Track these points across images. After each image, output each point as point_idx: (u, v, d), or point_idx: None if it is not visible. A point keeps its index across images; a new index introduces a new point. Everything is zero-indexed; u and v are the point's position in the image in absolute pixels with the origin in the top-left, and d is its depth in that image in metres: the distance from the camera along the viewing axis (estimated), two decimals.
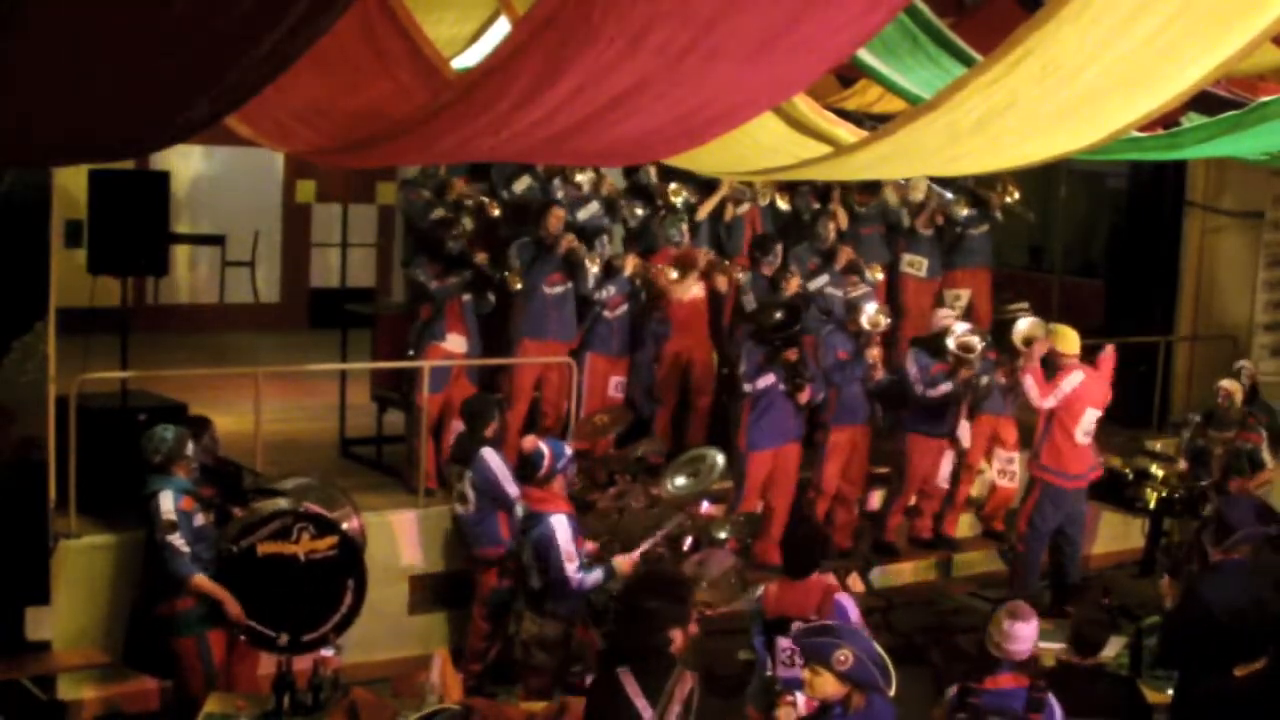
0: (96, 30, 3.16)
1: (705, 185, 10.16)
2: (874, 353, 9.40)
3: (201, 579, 6.65)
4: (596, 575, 6.84)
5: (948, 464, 9.94)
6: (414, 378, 8.90)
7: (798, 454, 9.35)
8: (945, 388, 9.47)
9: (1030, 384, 9.10)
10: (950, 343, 9.43)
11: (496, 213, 9.37)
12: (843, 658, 4.77)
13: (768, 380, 9.01)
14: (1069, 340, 9.18)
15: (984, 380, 9.58)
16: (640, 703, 4.64)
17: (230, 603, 6.64)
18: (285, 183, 14.88)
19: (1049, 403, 9.05)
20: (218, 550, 6.71)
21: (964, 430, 9.90)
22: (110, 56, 3.32)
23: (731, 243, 10.57)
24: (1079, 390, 9.07)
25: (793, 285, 9.75)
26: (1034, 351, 9.16)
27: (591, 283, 9.28)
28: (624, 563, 6.91)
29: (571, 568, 6.74)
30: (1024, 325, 9.42)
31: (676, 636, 4.80)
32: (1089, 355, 9.51)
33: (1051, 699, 5.23)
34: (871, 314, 9.41)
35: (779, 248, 10.06)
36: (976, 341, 9.42)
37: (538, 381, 9.36)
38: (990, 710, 5.20)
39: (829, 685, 4.80)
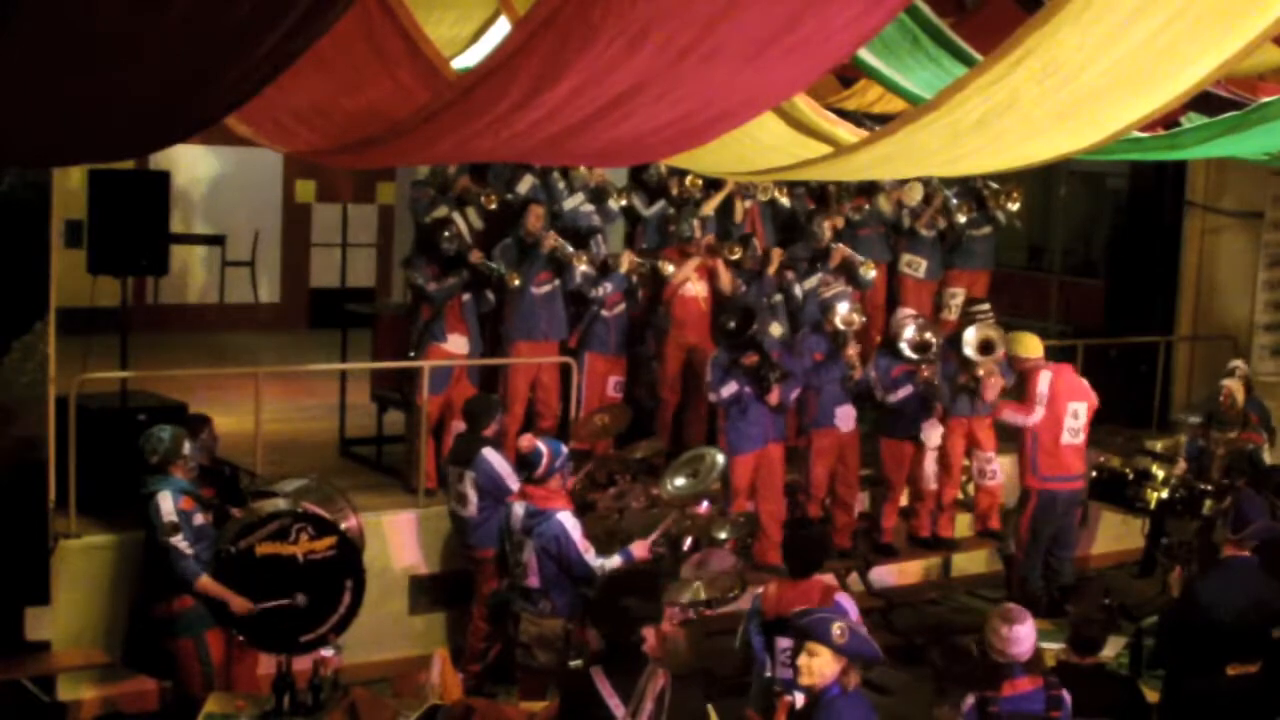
0: (97, 30, 3.16)
1: (711, 182, 10.16)
2: (850, 352, 9.36)
3: (207, 581, 6.64)
4: (616, 560, 6.88)
5: (930, 464, 9.89)
6: (414, 378, 8.90)
7: (781, 455, 9.26)
8: (905, 391, 9.44)
9: (1010, 415, 9.08)
10: (904, 346, 9.38)
11: (494, 206, 9.37)
12: (839, 630, 4.76)
13: (731, 388, 8.92)
14: (1027, 344, 9.15)
15: (947, 385, 9.54)
16: (613, 701, 4.63)
17: (237, 601, 6.63)
18: (285, 183, 14.91)
19: (1039, 414, 8.96)
20: (216, 551, 6.71)
21: (935, 431, 9.68)
22: (111, 56, 3.32)
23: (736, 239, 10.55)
24: (1054, 387, 9.02)
25: (775, 259, 9.79)
26: (996, 358, 9.15)
27: (579, 278, 9.27)
28: (640, 548, 6.94)
29: (590, 556, 6.81)
30: (973, 333, 9.36)
31: (649, 635, 4.80)
32: (1090, 355, 9.50)
33: (1065, 694, 5.20)
34: (844, 313, 9.36)
35: (754, 242, 10.07)
36: (930, 338, 9.38)
37: (532, 382, 9.36)
38: (1013, 717, 5.13)
39: (827, 664, 4.78)
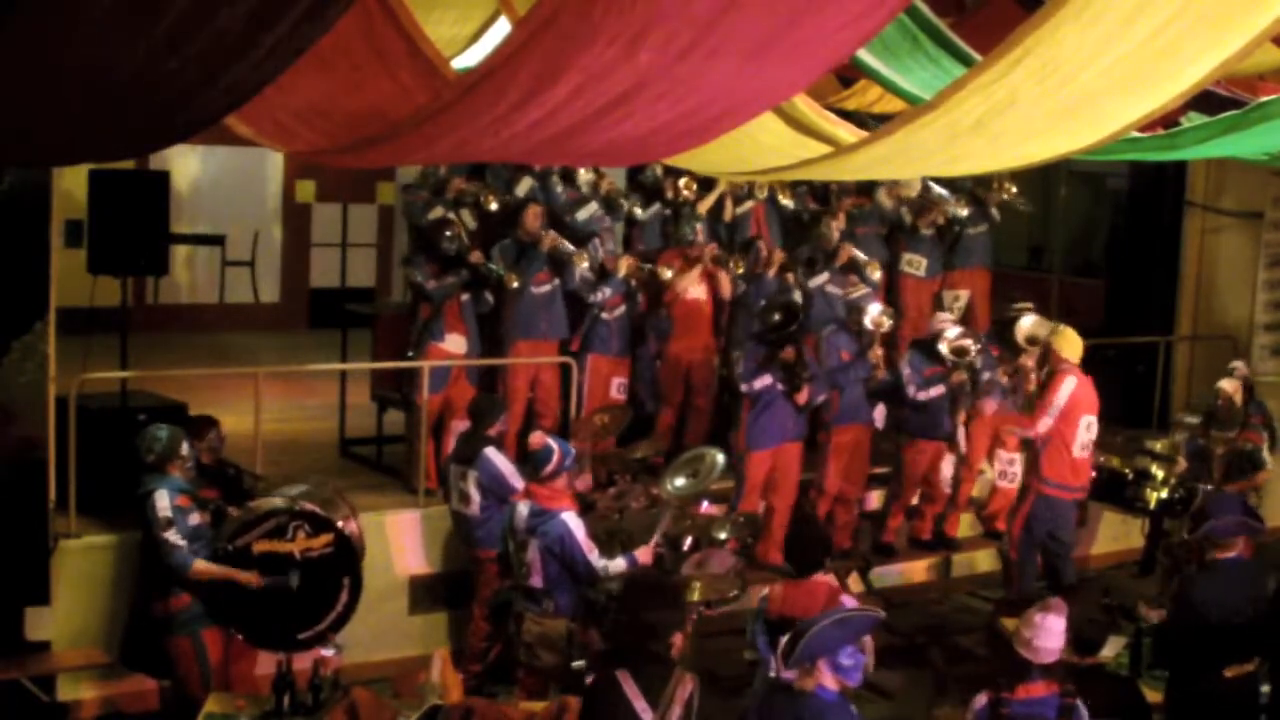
0: (97, 30, 3.16)
1: (703, 182, 10.17)
2: (877, 353, 9.39)
3: (203, 564, 6.60)
4: (620, 562, 6.90)
5: (948, 466, 9.91)
6: (414, 378, 8.90)
7: (799, 454, 9.32)
8: (937, 390, 9.46)
9: (1016, 430, 9.05)
10: (943, 347, 9.41)
11: (494, 206, 9.37)
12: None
13: (764, 381, 8.98)
14: (1071, 344, 8.92)
15: (985, 376, 9.57)
16: (640, 705, 4.62)
17: (241, 576, 6.59)
18: (285, 183, 14.90)
19: (1045, 425, 8.70)
20: (213, 549, 6.70)
21: (960, 433, 9.85)
22: (111, 56, 3.32)
23: (736, 241, 10.54)
24: (1074, 397, 8.77)
25: (776, 260, 9.80)
26: (1036, 352, 9.13)
27: (578, 278, 9.27)
28: (644, 554, 6.95)
29: (594, 557, 6.82)
30: (1027, 323, 9.37)
31: (676, 641, 4.80)
32: (1090, 355, 9.44)
33: (1080, 704, 5.13)
34: (875, 314, 9.41)
35: (759, 244, 10.11)
36: (970, 344, 9.40)
37: (532, 382, 9.36)
38: None
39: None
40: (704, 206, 10.33)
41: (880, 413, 9.62)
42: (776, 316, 9.03)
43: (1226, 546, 6.34)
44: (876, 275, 10.29)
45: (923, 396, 9.47)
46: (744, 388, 9.09)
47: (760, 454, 9.11)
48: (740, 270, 9.96)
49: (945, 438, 9.75)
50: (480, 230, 9.53)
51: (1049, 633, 5.15)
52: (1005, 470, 10.18)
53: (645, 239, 10.39)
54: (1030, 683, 5.14)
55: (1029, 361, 9.32)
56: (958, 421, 9.75)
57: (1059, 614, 5.19)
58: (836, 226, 10.30)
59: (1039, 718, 5.09)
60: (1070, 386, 8.82)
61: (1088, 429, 8.90)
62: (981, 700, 5.21)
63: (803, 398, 8.98)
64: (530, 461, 7.15)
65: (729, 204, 10.52)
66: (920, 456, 9.77)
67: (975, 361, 9.49)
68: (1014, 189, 11.09)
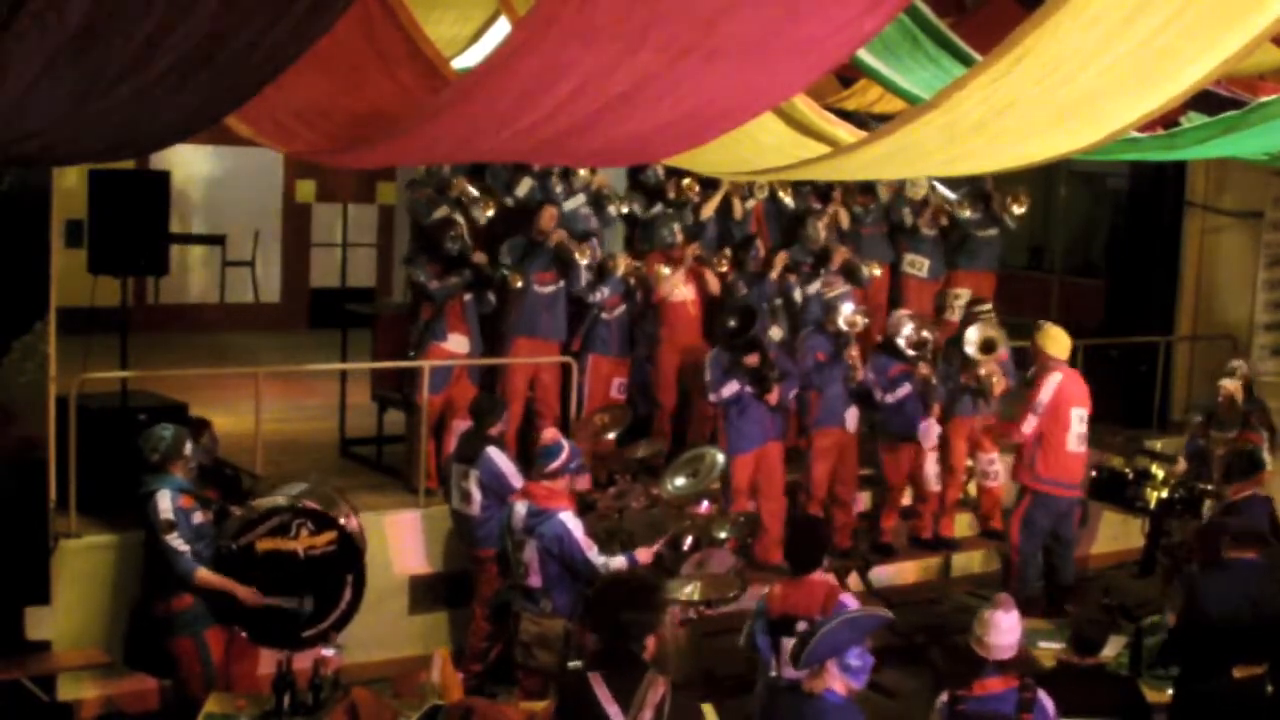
0: (96, 30, 3.16)
1: (707, 183, 10.16)
2: (853, 353, 9.37)
3: (206, 573, 6.64)
4: (620, 561, 6.89)
5: (931, 464, 9.89)
6: (414, 378, 8.90)
7: (780, 453, 9.30)
8: (904, 390, 9.44)
9: (1002, 437, 9.06)
10: (901, 343, 9.40)
11: (491, 212, 9.37)
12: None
13: (732, 388, 8.95)
14: (1057, 342, 8.97)
15: (950, 385, 9.55)
16: (612, 709, 4.57)
17: (240, 590, 6.62)
18: (285, 183, 14.92)
19: (1030, 424, 8.78)
20: (216, 548, 6.71)
21: (932, 431, 9.66)
22: (110, 56, 3.32)
23: (739, 240, 10.54)
24: (1061, 393, 8.82)
25: (779, 263, 9.77)
26: (997, 357, 9.14)
27: (583, 279, 9.27)
28: (644, 554, 6.96)
29: (593, 554, 6.82)
30: (975, 332, 9.34)
31: (649, 643, 4.78)
32: (1090, 355, 9.48)
33: (1042, 697, 5.16)
34: (848, 314, 9.38)
35: (758, 243, 10.09)
36: (928, 336, 9.41)
37: (531, 381, 9.36)
38: (980, 716, 5.12)
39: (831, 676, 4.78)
40: (709, 210, 10.32)
41: (853, 415, 9.55)
42: (733, 322, 9.04)
43: (1243, 547, 6.34)
44: (875, 273, 10.27)
45: (891, 399, 9.45)
46: (712, 397, 9.06)
47: (744, 457, 9.10)
48: (724, 268, 9.96)
49: (915, 438, 9.69)
50: (484, 231, 9.52)
51: (1000, 629, 5.18)
52: (987, 470, 10.21)
53: (643, 240, 10.38)
54: (986, 679, 5.18)
55: (986, 370, 9.32)
56: (932, 416, 9.63)
57: (1009, 610, 5.22)
58: (823, 226, 10.28)
59: (996, 713, 5.11)
60: (1055, 382, 8.89)
61: (1080, 421, 8.95)
62: (942, 698, 5.27)
63: (773, 398, 8.96)
64: (538, 456, 7.15)
65: (736, 202, 10.50)
66: (899, 459, 9.77)
67: (931, 359, 9.45)
68: (1024, 208, 11.03)
